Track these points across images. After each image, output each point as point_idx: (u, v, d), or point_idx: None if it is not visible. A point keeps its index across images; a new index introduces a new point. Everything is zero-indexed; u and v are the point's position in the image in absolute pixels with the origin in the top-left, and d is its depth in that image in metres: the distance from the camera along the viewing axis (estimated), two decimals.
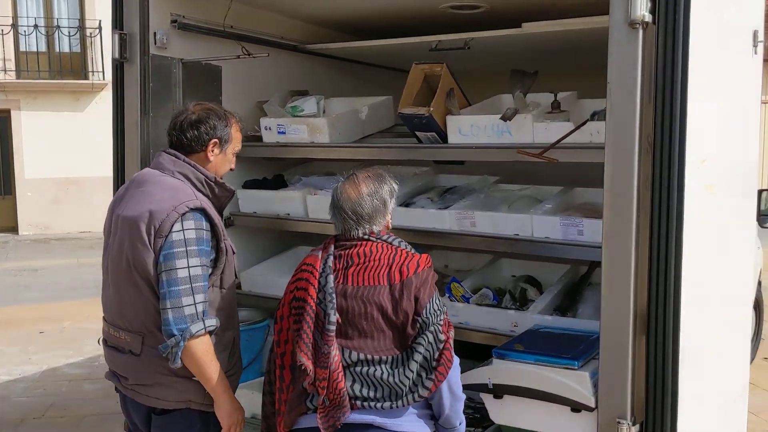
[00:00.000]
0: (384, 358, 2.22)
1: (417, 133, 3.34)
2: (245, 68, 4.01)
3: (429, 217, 3.27)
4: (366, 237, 2.34)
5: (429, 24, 3.88)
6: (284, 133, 3.73)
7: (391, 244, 2.34)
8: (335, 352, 2.21)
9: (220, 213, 2.67)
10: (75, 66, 15.85)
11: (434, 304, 2.26)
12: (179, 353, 2.41)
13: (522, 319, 3.03)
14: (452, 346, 2.26)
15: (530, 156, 2.80)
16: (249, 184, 3.98)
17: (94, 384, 6.07)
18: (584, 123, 2.94)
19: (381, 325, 2.23)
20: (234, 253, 2.67)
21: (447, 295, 3.28)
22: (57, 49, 15.89)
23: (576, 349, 2.60)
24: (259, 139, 3.89)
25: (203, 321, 2.44)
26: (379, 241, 2.34)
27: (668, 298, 2.37)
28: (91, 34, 15.63)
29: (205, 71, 3.81)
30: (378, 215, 2.36)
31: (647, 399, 2.43)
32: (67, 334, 7.60)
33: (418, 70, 3.33)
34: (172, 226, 2.42)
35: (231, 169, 2.75)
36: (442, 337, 2.23)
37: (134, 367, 2.55)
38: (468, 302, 3.26)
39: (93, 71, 15.76)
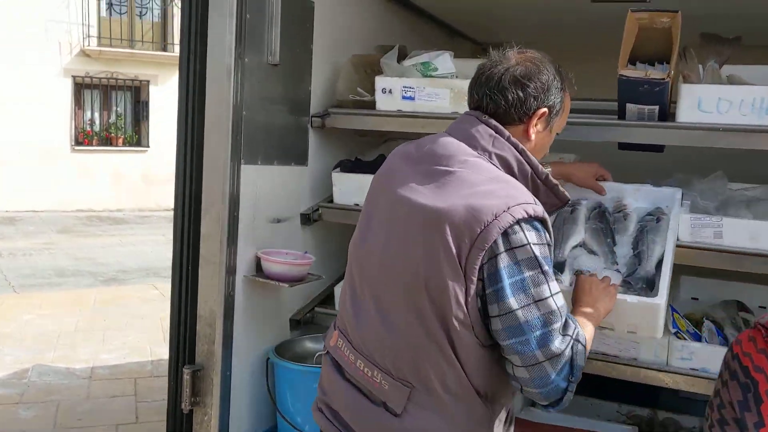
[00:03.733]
0: None
1: (629, 105, 2.46)
2: (339, 13, 3.00)
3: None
4: None
5: None
6: (413, 98, 2.73)
7: None
8: None
9: None
10: None
11: None
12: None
13: None
14: None
15: None
16: (347, 167, 2.94)
17: (31, 410, 4.75)
18: None
19: None
20: None
21: (674, 330, 2.43)
22: None
23: None
24: (368, 105, 2.87)
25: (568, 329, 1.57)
26: None
27: None
28: None
29: (300, 7, 2.74)
30: None
31: None
32: None
33: (633, 20, 2.45)
34: (507, 236, 1.52)
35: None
36: None
37: (386, 429, 1.62)
38: (701, 341, 2.43)
39: None
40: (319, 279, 2.73)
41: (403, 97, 2.75)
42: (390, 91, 2.77)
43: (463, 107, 2.69)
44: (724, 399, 1.33)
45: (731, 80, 2.73)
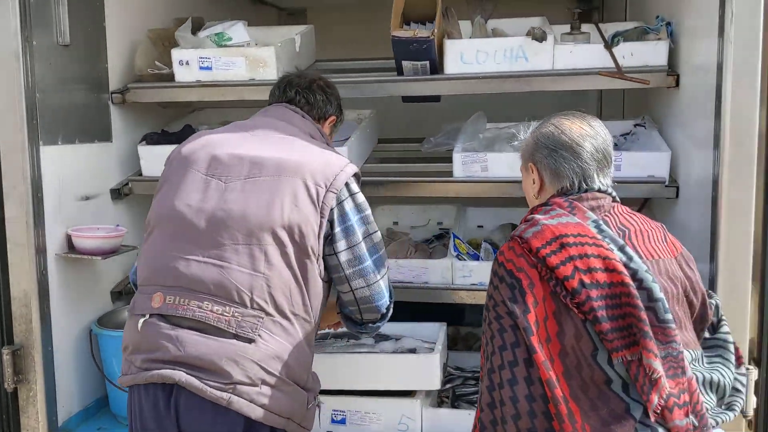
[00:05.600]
0: (696, 354, 1.71)
1: (404, 63, 2.75)
2: None
3: None
4: (610, 192, 1.74)
5: None
6: (210, 68, 2.87)
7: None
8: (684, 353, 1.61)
9: None
10: None
11: None
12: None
13: None
14: None
15: (615, 77, 2.41)
16: (152, 139, 3.03)
17: None
18: (612, 44, 2.63)
19: (686, 309, 1.71)
20: None
21: (455, 253, 2.77)
22: None
23: None
24: (167, 78, 2.97)
25: None
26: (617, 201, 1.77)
27: None
28: None
29: None
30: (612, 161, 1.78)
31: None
32: None
33: None
34: (348, 185, 2.00)
35: None
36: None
37: (240, 356, 1.84)
38: (479, 260, 2.79)
39: None
40: (133, 249, 2.82)
41: (201, 68, 2.88)
42: (187, 63, 2.89)
43: (259, 74, 2.91)
44: (497, 299, 1.64)
45: (496, 33, 3.10)
